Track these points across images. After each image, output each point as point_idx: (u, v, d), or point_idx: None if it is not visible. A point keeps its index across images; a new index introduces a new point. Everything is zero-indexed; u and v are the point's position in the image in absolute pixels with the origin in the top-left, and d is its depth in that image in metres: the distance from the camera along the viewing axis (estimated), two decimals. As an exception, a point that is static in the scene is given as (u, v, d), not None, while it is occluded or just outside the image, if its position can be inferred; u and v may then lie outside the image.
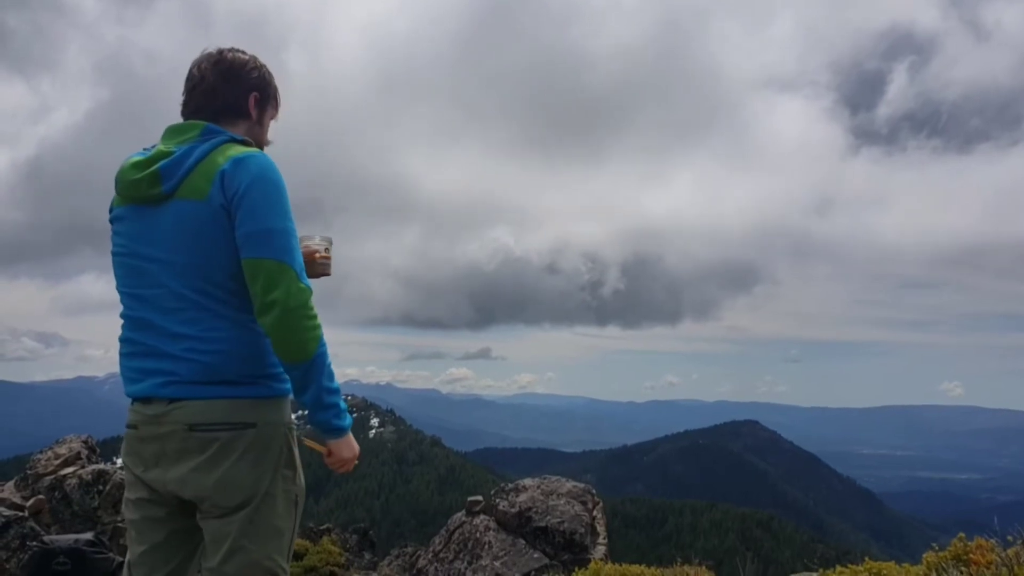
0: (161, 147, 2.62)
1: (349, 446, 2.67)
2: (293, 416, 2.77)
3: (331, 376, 2.57)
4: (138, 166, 2.60)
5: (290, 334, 2.48)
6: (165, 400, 2.54)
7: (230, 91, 2.73)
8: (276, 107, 2.90)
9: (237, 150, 2.57)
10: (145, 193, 2.58)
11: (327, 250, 3.06)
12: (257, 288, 2.48)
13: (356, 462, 2.75)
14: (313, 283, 2.90)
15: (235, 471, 2.52)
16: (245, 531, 2.55)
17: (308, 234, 3.03)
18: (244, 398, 2.55)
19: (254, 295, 2.50)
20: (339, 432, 2.64)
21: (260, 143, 2.81)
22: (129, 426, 2.65)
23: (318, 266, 3.03)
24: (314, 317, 2.51)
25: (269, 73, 2.84)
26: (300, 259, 2.54)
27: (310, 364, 2.51)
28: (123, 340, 2.67)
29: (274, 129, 2.92)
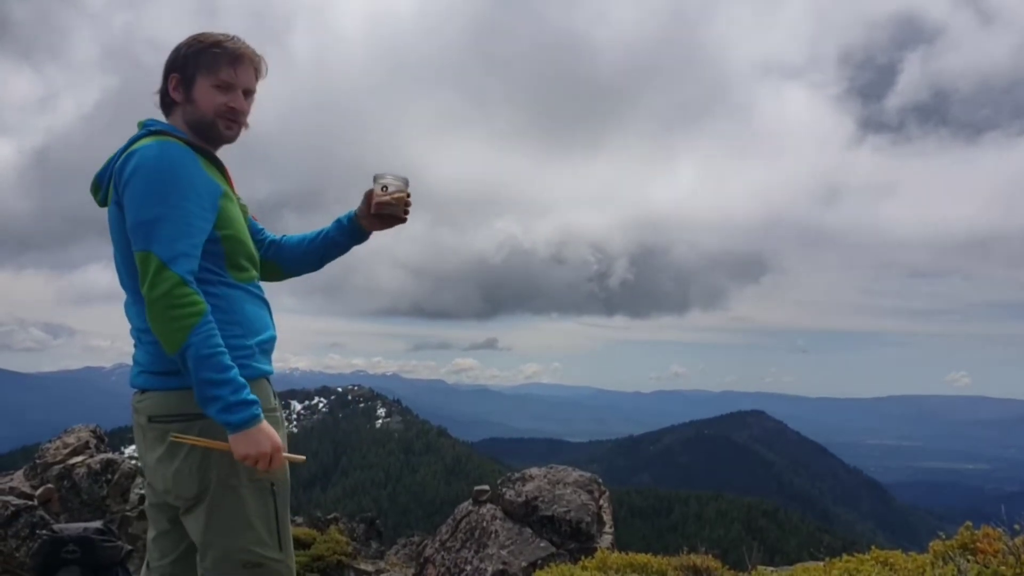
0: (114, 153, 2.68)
1: (249, 442, 2.42)
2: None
3: (216, 366, 2.38)
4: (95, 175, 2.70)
5: (158, 327, 2.40)
6: (139, 390, 2.62)
7: (162, 82, 2.70)
8: (218, 72, 2.63)
9: (138, 144, 2.55)
10: (96, 200, 2.71)
11: (384, 188, 2.89)
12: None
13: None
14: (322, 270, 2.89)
15: (188, 462, 2.52)
16: (210, 525, 2.54)
17: (381, 172, 2.93)
18: (191, 388, 2.46)
19: None
20: (232, 427, 2.41)
21: (201, 120, 2.66)
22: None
23: (384, 206, 2.89)
24: (183, 305, 2.37)
25: (191, 44, 2.64)
26: (180, 245, 2.42)
27: (181, 356, 2.38)
28: None
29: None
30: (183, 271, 2.40)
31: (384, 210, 2.90)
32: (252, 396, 2.44)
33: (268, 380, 2.70)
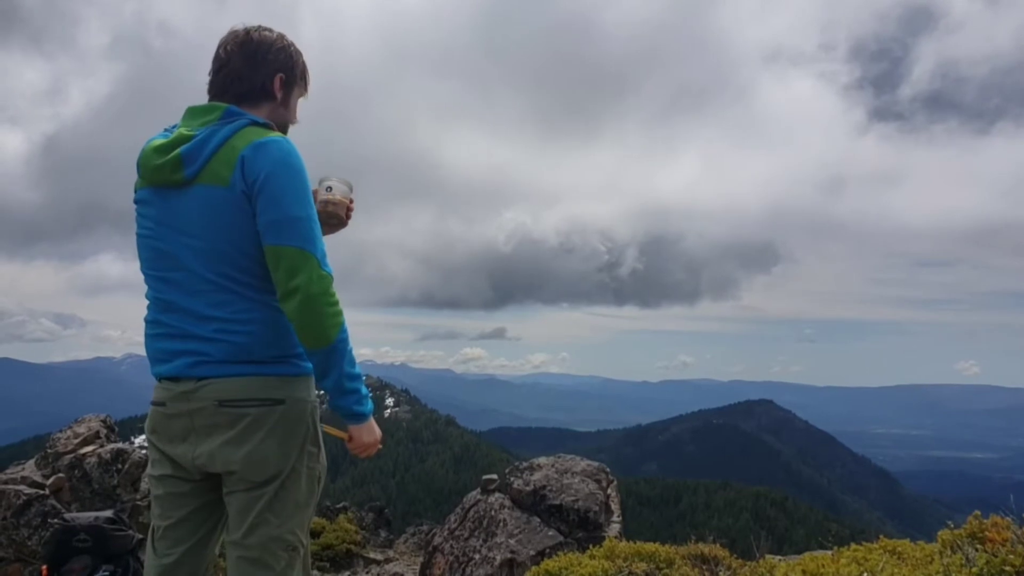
0: (182, 129, 2.60)
1: (370, 431, 2.67)
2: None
3: (352, 362, 2.57)
4: (160, 150, 2.58)
5: (312, 320, 2.48)
6: (194, 378, 2.56)
7: (255, 74, 2.70)
8: (304, 86, 2.86)
9: (257, 134, 2.54)
10: (168, 178, 2.56)
11: (328, 189, 2.93)
12: (279, 275, 2.49)
13: (380, 447, 2.74)
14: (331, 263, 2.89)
15: (264, 446, 2.56)
16: (270, 505, 2.59)
17: (327, 175, 2.95)
18: (273, 376, 2.58)
19: (277, 282, 2.51)
20: (360, 418, 2.63)
21: (285, 124, 2.79)
22: (155, 403, 2.67)
23: (327, 205, 2.90)
24: (335, 303, 2.51)
25: (296, 52, 2.80)
26: (322, 245, 2.54)
27: (331, 350, 2.51)
28: (150, 321, 2.68)
29: (301, 107, 2.87)
30: (332, 271, 2.54)
31: (327, 208, 2.91)
32: (366, 403, 2.66)
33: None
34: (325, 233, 2.95)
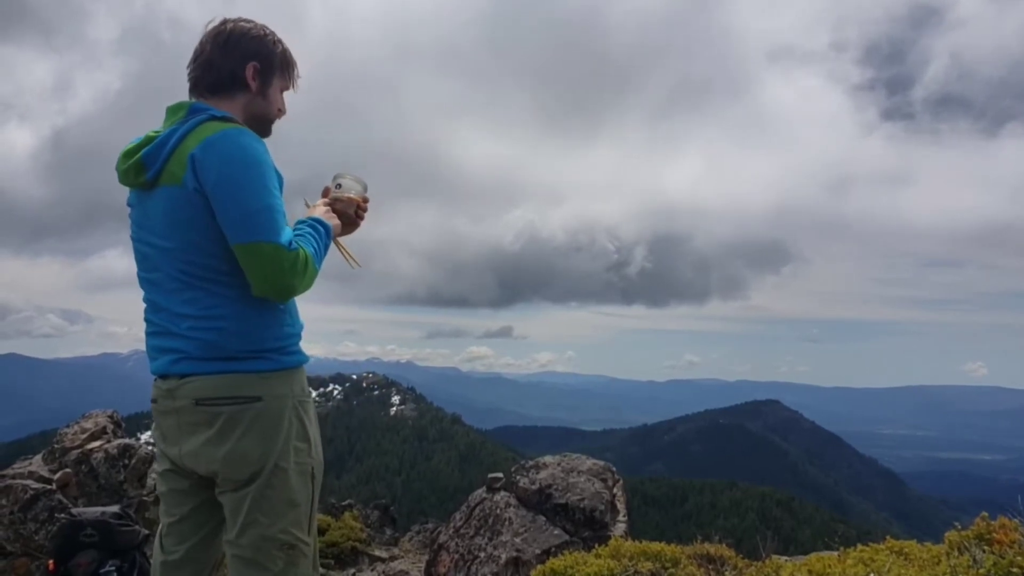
0: (150, 132, 2.62)
1: (330, 216, 2.81)
2: (312, 390, 2.75)
3: (320, 260, 2.65)
4: (127, 155, 2.62)
5: (306, 289, 2.57)
6: (177, 376, 2.58)
7: (226, 62, 2.65)
8: (287, 77, 2.78)
9: (212, 129, 2.50)
10: (134, 181, 2.61)
11: (338, 186, 2.91)
12: (251, 275, 2.48)
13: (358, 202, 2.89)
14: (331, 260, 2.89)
15: (243, 444, 2.54)
16: (257, 504, 2.57)
17: (342, 172, 2.91)
18: (248, 372, 2.54)
19: (251, 282, 2.50)
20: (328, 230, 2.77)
21: (265, 116, 2.74)
22: (152, 400, 2.70)
23: (335, 202, 2.88)
24: (307, 266, 2.53)
25: (275, 42, 2.72)
26: (287, 231, 2.51)
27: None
28: (145, 320, 2.71)
29: (291, 99, 2.81)
30: (296, 246, 2.53)
31: (334, 206, 2.88)
32: (323, 227, 2.74)
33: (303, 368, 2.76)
34: (337, 234, 2.95)
